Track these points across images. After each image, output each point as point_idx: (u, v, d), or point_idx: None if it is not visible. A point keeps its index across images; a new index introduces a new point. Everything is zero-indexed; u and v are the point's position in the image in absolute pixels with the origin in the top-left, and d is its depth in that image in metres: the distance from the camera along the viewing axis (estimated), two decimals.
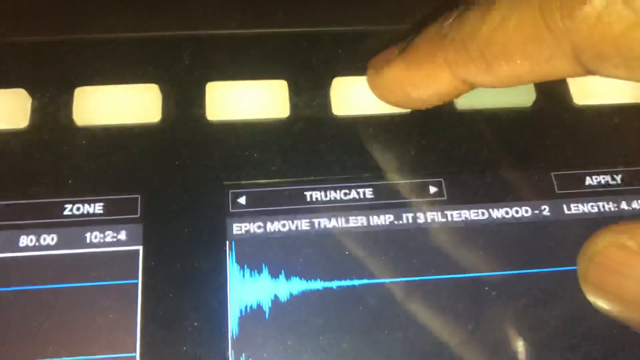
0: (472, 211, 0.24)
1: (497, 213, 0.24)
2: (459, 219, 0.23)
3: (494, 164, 0.24)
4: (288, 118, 0.25)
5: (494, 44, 0.19)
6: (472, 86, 0.22)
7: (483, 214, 0.24)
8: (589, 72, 0.18)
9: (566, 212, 0.24)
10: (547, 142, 0.25)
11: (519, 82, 0.21)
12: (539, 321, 0.22)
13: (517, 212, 0.24)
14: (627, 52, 0.17)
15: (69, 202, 0.23)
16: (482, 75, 0.21)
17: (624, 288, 0.16)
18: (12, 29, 0.26)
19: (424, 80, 0.22)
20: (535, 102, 0.26)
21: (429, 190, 0.24)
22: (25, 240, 0.22)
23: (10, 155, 0.23)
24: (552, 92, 0.26)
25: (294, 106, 0.25)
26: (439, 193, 0.24)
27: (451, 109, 0.25)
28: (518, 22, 0.19)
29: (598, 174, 0.25)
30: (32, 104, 0.24)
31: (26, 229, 0.22)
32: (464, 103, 0.25)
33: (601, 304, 0.17)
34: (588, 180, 0.24)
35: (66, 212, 0.23)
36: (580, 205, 0.24)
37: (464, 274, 0.23)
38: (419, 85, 0.22)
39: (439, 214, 0.23)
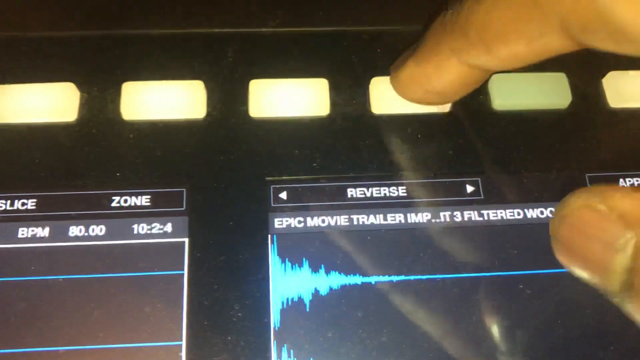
0: (507, 211, 0.24)
1: (532, 213, 0.24)
2: (495, 218, 0.24)
3: (530, 164, 0.25)
4: (328, 116, 0.25)
5: (489, 26, 0.20)
6: (481, 71, 0.22)
7: (519, 213, 0.24)
8: (581, 45, 0.19)
9: None
10: (582, 144, 0.25)
11: (520, 62, 0.21)
12: (572, 319, 0.23)
13: (551, 212, 0.24)
14: (611, 26, 0.17)
15: (117, 194, 0.24)
16: (484, 58, 0.21)
17: (590, 250, 0.16)
18: (63, 24, 0.26)
19: (435, 72, 0.23)
20: (570, 104, 0.26)
21: (466, 189, 0.24)
22: (74, 230, 0.23)
23: (60, 148, 0.24)
24: (588, 95, 0.26)
25: (334, 104, 0.26)
26: (476, 192, 0.24)
27: (488, 109, 0.26)
28: (508, 2, 0.19)
29: (631, 176, 0.25)
30: (81, 97, 0.25)
31: (76, 220, 0.23)
32: (501, 104, 0.26)
33: (569, 264, 0.17)
34: (621, 182, 0.25)
35: (114, 204, 0.23)
36: None
37: (500, 271, 0.23)
38: (431, 78, 0.23)
39: (476, 212, 0.24)
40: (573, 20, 0.18)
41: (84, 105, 0.25)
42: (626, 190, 0.16)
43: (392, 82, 0.25)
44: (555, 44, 0.19)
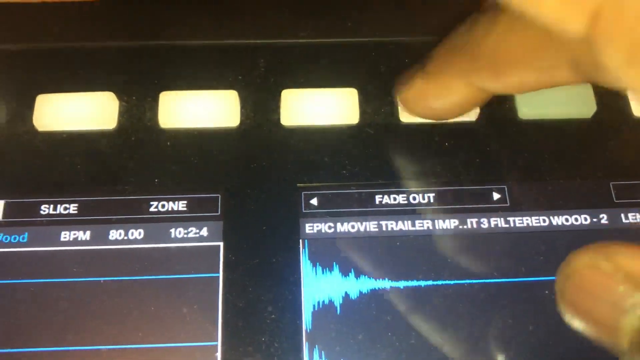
0: (533, 218, 0.25)
1: (557, 220, 0.25)
2: (521, 225, 0.24)
3: (555, 172, 0.25)
4: (358, 124, 0.26)
5: (500, 52, 0.21)
6: (487, 94, 0.23)
7: (544, 220, 0.24)
8: (588, 81, 0.19)
9: (624, 220, 0.25)
10: (607, 152, 0.26)
11: (525, 89, 0.22)
12: None
13: (576, 219, 0.25)
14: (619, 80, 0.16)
15: (155, 200, 0.24)
16: (492, 82, 0.22)
17: (596, 310, 0.16)
18: (103, 36, 0.27)
19: (443, 90, 0.23)
20: (595, 114, 0.26)
21: (492, 197, 0.25)
22: (114, 234, 0.24)
23: (100, 155, 0.25)
24: (612, 104, 0.27)
25: (363, 113, 0.26)
26: (502, 200, 0.25)
27: (514, 118, 0.26)
28: (522, 33, 0.20)
29: None
30: (120, 106, 0.26)
31: (115, 224, 0.24)
32: (526, 113, 0.26)
33: (576, 322, 0.17)
34: None
35: (152, 209, 0.24)
36: (637, 214, 0.25)
37: (526, 277, 0.24)
38: (438, 96, 0.23)
39: (502, 219, 0.24)
40: (584, 60, 0.18)
41: (123, 113, 0.26)
42: (629, 248, 0.16)
43: (399, 95, 0.25)
44: (564, 77, 0.20)
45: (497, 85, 0.22)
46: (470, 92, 0.23)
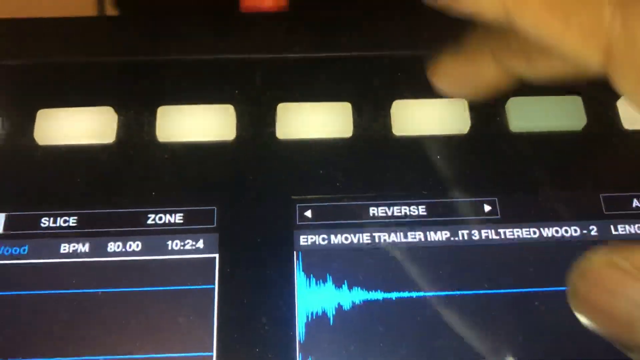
0: (524, 230, 0.25)
1: (548, 232, 0.25)
2: (512, 237, 0.25)
3: (546, 184, 0.26)
4: (351, 137, 0.26)
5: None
6: (514, 76, 0.23)
7: (535, 232, 0.25)
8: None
9: (613, 232, 0.25)
10: (597, 164, 0.26)
11: (555, 76, 0.22)
12: (587, 335, 0.23)
13: (566, 231, 0.25)
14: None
15: (152, 212, 0.25)
16: (522, 67, 0.22)
17: (614, 307, 0.16)
18: (102, 51, 0.28)
19: (472, 69, 0.24)
20: (585, 126, 0.27)
21: (483, 209, 0.25)
22: (112, 246, 0.24)
23: (99, 168, 0.25)
24: (602, 117, 0.27)
25: (357, 126, 0.26)
26: (493, 212, 0.25)
27: (506, 131, 0.27)
28: None
29: None
30: (119, 120, 0.26)
31: (114, 236, 0.24)
32: (517, 125, 0.27)
33: (589, 321, 0.17)
34: (635, 202, 0.25)
35: (149, 221, 0.25)
36: (627, 226, 0.25)
37: (516, 288, 0.24)
38: (468, 74, 0.24)
39: (493, 231, 0.25)
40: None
41: (122, 127, 0.26)
42: None
43: (430, 74, 0.26)
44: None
45: (527, 69, 0.22)
46: (499, 73, 0.23)
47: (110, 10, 0.47)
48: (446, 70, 0.25)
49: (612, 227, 0.25)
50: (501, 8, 0.18)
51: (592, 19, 0.17)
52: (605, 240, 0.25)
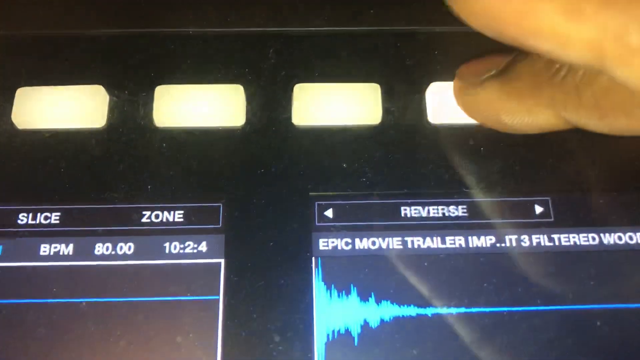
0: (581, 235, 0.22)
1: (609, 238, 0.22)
2: (567, 243, 0.22)
3: (607, 183, 0.23)
4: (380, 125, 0.24)
5: (613, 95, 0.19)
6: (575, 127, 0.21)
7: (594, 238, 0.22)
8: None
9: None
10: None
11: (633, 133, 0.20)
12: None
13: (630, 238, 0.22)
14: None
15: (148, 209, 0.22)
16: (593, 123, 0.20)
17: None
18: (90, 21, 0.25)
19: (523, 112, 0.21)
20: None
21: (534, 211, 0.22)
22: (101, 248, 0.22)
23: (87, 157, 0.23)
24: None
25: (386, 112, 0.24)
26: (546, 214, 0.22)
27: None
28: None
29: None
30: (110, 101, 0.24)
31: (102, 236, 0.22)
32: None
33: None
34: None
35: (144, 220, 0.22)
36: None
37: (573, 305, 0.21)
38: (515, 115, 0.21)
39: (545, 237, 0.22)
40: None
41: (113, 110, 0.24)
42: None
43: (461, 95, 0.23)
44: None
45: (598, 126, 0.20)
46: (556, 122, 0.21)
47: None
48: (484, 101, 0.22)
49: None
50: (596, 55, 0.15)
51: None
52: None
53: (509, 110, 0.21)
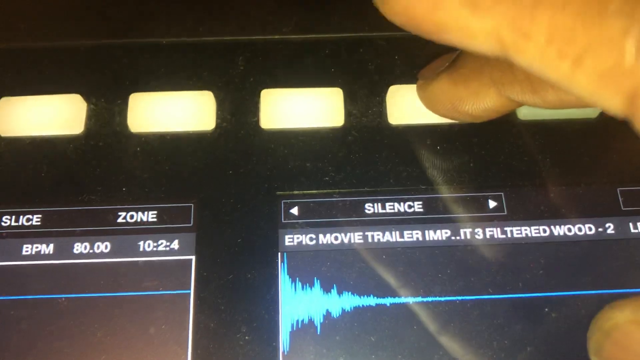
0: (533, 227, 0.23)
1: (559, 230, 0.23)
2: (520, 236, 0.23)
3: (557, 178, 0.24)
4: (343, 127, 0.24)
5: None
6: (519, 104, 0.21)
7: (544, 230, 0.23)
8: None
9: (632, 230, 0.23)
10: (614, 155, 0.24)
11: (566, 107, 0.20)
12: None
13: (579, 229, 0.23)
14: None
15: (123, 210, 0.23)
16: (529, 97, 0.20)
17: None
18: (68, 33, 0.26)
19: (471, 96, 0.22)
20: (600, 114, 0.24)
21: (488, 205, 0.23)
22: (79, 247, 0.22)
23: (65, 161, 0.24)
24: None
25: (348, 114, 0.25)
26: (499, 208, 0.23)
27: (513, 119, 0.24)
28: None
29: None
30: (88, 109, 0.25)
31: (80, 236, 0.23)
32: (526, 114, 0.24)
33: None
34: None
35: (120, 220, 0.23)
36: None
37: (523, 293, 0.22)
38: (466, 100, 0.22)
39: (499, 229, 0.23)
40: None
41: (91, 117, 0.24)
42: None
43: (421, 91, 0.24)
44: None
45: (533, 99, 0.20)
46: (500, 100, 0.21)
47: None
48: (439, 92, 0.23)
49: (631, 224, 0.23)
50: (497, 44, 0.15)
51: (610, 59, 0.14)
52: (623, 239, 0.23)
53: (459, 96, 0.22)
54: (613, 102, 0.14)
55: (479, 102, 0.22)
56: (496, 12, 0.14)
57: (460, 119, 0.23)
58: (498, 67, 0.20)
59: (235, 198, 0.23)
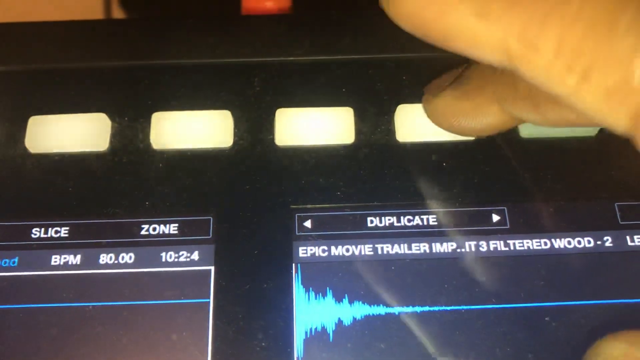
0: (534, 240, 0.24)
1: (560, 243, 0.24)
2: (522, 248, 0.24)
3: (557, 193, 0.25)
4: (353, 144, 0.25)
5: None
6: (521, 121, 0.22)
7: (545, 243, 0.24)
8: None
9: (629, 243, 0.24)
10: (612, 172, 0.25)
11: (567, 125, 0.20)
12: None
13: (579, 242, 0.24)
14: None
15: (146, 223, 0.24)
16: (530, 114, 0.21)
17: None
18: (93, 55, 0.27)
19: (474, 111, 0.22)
20: (600, 132, 0.25)
21: (492, 219, 0.24)
22: (105, 258, 0.23)
23: (92, 177, 0.25)
24: None
25: (359, 132, 0.26)
26: (502, 222, 0.24)
27: (515, 136, 0.26)
28: None
29: None
30: (112, 127, 0.26)
31: (106, 247, 0.24)
32: (528, 131, 0.25)
33: None
34: None
35: (143, 232, 0.24)
36: None
37: (525, 303, 0.23)
38: (469, 115, 0.23)
39: (502, 242, 0.24)
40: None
41: (115, 134, 0.25)
42: None
43: (426, 106, 0.25)
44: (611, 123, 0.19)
45: (535, 117, 0.21)
46: (503, 117, 0.22)
47: (118, 14, 0.47)
48: (443, 106, 0.23)
49: (628, 237, 0.24)
50: (505, 54, 0.15)
51: (617, 76, 0.14)
52: (620, 251, 0.24)
53: (463, 111, 0.23)
54: (618, 120, 0.14)
55: (482, 117, 0.22)
56: (505, 22, 0.14)
57: (463, 133, 0.24)
58: (501, 83, 0.21)
59: (252, 211, 0.24)
